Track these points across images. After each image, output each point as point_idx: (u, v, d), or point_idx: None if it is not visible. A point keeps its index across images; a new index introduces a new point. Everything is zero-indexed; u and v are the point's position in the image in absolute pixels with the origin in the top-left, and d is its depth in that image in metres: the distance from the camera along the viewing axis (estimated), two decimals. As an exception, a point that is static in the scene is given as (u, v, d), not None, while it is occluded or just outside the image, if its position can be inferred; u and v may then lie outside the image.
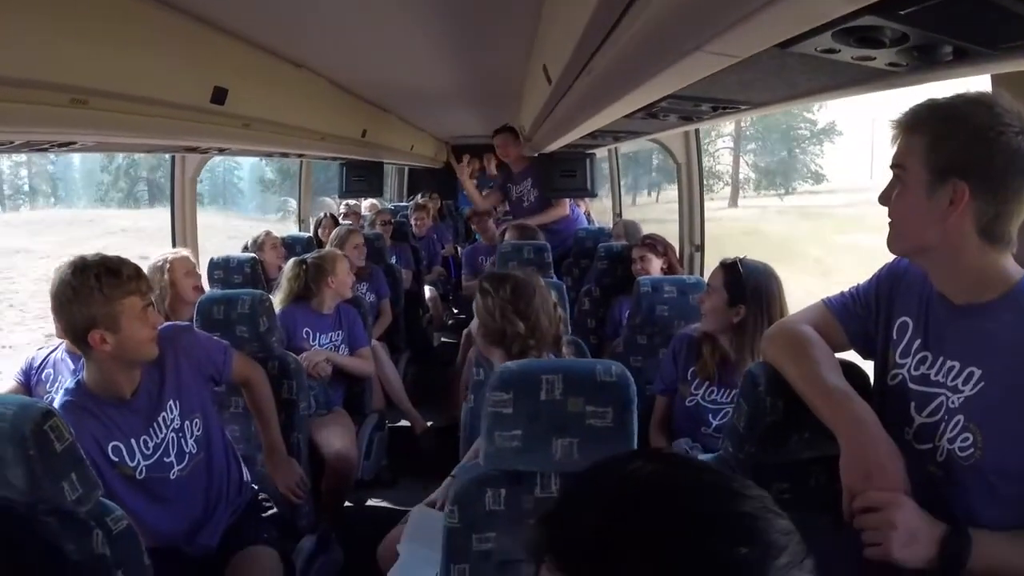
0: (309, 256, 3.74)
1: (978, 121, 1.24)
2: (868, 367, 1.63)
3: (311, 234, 6.03)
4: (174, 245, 4.33)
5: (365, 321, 3.98)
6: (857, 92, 1.67)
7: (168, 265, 3.37)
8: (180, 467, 2.23)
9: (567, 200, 5.64)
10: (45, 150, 2.51)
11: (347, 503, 3.55)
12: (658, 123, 2.84)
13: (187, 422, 2.27)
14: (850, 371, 1.57)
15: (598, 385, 1.68)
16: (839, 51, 1.25)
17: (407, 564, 2.06)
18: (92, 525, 1.67)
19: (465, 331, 5.19)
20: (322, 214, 6.54)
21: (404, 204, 9.67)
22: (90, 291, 1.95)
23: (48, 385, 2.66)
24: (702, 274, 4.23)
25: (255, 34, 2.77)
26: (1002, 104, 1.24)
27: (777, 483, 1.60)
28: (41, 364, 2.74)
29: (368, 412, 3.84)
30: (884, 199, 1.40)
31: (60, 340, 2.70)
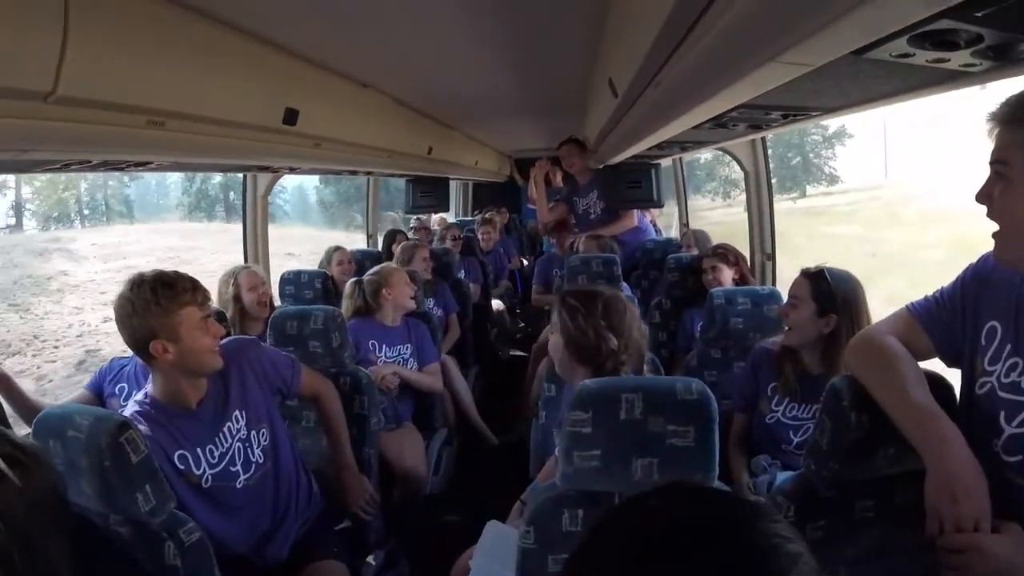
0: (364, 276, 3.80)
1: None
2: (953, 376, 1.57)
3: (380, 250, 6.11)
4: (246, 260, 4.45)
5: (434, 336, 3.98)
6: (928, 94, 1.65)
7: (233, 279, 3.50)
8: (246, 476, 2.26)
9: (635, 211, 5.59)
10: (121, 169, 2.59)
11: (416, 518, 3.53)
12: (726, 132, 2.81)
13: (253, 432, 2.31)
14: (935, 382, 1.51)
15: (679, 403, 1.64)
16: (913, 55, 1.23)
17: None
18: (164, 536, 1.72)
19: (535, 345, 5.17)
20: (392, 231, 6.64)
21: (469, 219, 9.73)
22: (147, 304, 2.01)
23: (123, 399, 2.69)
24: (774, 283, 4.16)
25: (323, 56, 2.82)
26: None
27: (861, 500, 1.55)
28: (115, 377, 2.78)
29: (438, 427, 3.84)
30: (984, 198, 1.31)
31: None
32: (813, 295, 2.42)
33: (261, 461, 2.31)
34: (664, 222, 8.22)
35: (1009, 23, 1.03)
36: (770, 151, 4.25)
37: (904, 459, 1.47)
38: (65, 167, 2.27)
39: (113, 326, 2.13)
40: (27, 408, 2.46)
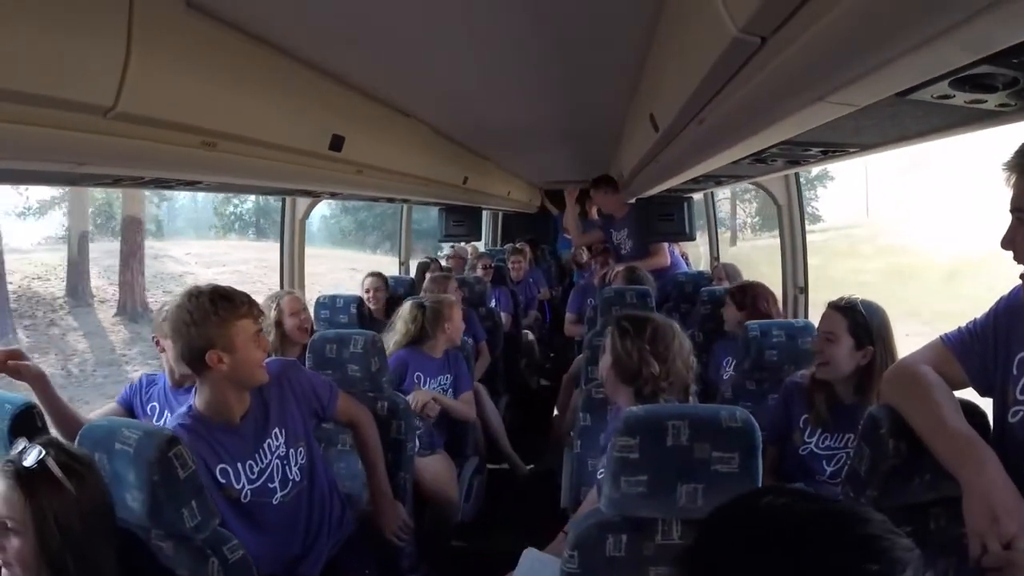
0: (427, 300, 3.81)
1: None
2: (986, 404, 1.59)
3: (412, 277, 6.17)
4: (282, 283, 4.54)
5: (469, 365, 4.01)
6: (964, 132, 1.68)
7: (276, 304, 3.55)
8: (283, 493, 2.30)
9: (665, 247, 5.60)
10: (170, 187, 2.65)
11: (448, 545, 3.55)
12: (764, 167, 2.85)
13: (292, 450, 2.35)
14: (968, 411, 1.54)
15: (724, 430, 1.67)
16: (954, 96, 1.27)
17: None
18: (208, 553, 1.76)
19: (565, 376, 5.19)
20: (427, 259, 6.70)
21: (499, 248, 9.78)
22: (206, 314, 2.06)
23: (156, 419, 2.69)
24: (806, 315, 4.17)
25: (370, 84, 2.87)
26: None
27: (898, 527, 1.57)
28: (146, 395, 2.76)
29: (469, 454, 3.85)
30: (1008, 243, 1.37)
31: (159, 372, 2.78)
32: (850, 329, 2.42)
33: (298, 479, 2.35)
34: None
35: None
36: (758, 194, 4.28)
37: (940, 485, 1.50)
38: (117, 182, 2.33)
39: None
40: (61, 414, 2.43)
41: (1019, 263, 1.37)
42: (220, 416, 2.20)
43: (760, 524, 0.78)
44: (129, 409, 2.77)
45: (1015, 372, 1.48)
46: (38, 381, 2.34)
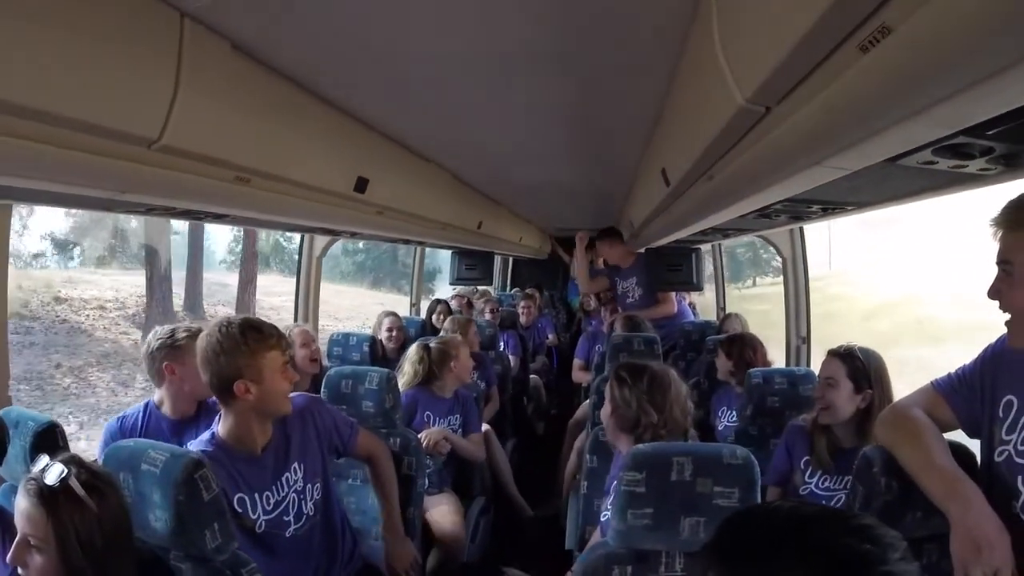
0: (432, 341, 3.84)
1: None
2: (974, 446, 1.68)
3: (424, 318, 6.24)
4: (296, 318, 4.59)
5: (479, 406, 4.03)
6: (951, 192, 1.78)
7: (288, 335, 3.50)
8: (296, 526, 2.31)
9: (673, 297, 5.66)
10: (200, 219, 2.70)
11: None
12: (768, 222, 2.93)
13: (309, 485, 2.36)
14: (958, 451, 1.63)
15: (725, 467, 1.76)
16: (937, 162, 1.37)
17: None
18: (228, 574, 1.80)
19: (570, 422, 5.22)
20: (435, 300, 6.72)
21: (508, 294, 9.82)
22: (236, 345, 2.09)
23: None
24: (808, 365, 4.21)
25: (395, 129, 2.96)
26: None
27: None
28: (130, 433, 2.62)
29: (476, 495, 3.85)
30: (995, 293, 1.47)
31: (139, 404, 2.73)
32: (849, 374, 2.49)
33: (312, 514, 2.36)
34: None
35: (1015, 138, 1.17)
36: (725, 247, 4.38)
37: (932, 522, 1.58)
38: (150, 211, 2.38)
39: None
40: None
41: (1004, 312, 1.47)
42: (242, 445, 2.22)
43: (772, 517, 0.91)
44: None
45: (1000, 415, 1.57)
46: None
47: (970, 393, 1.67)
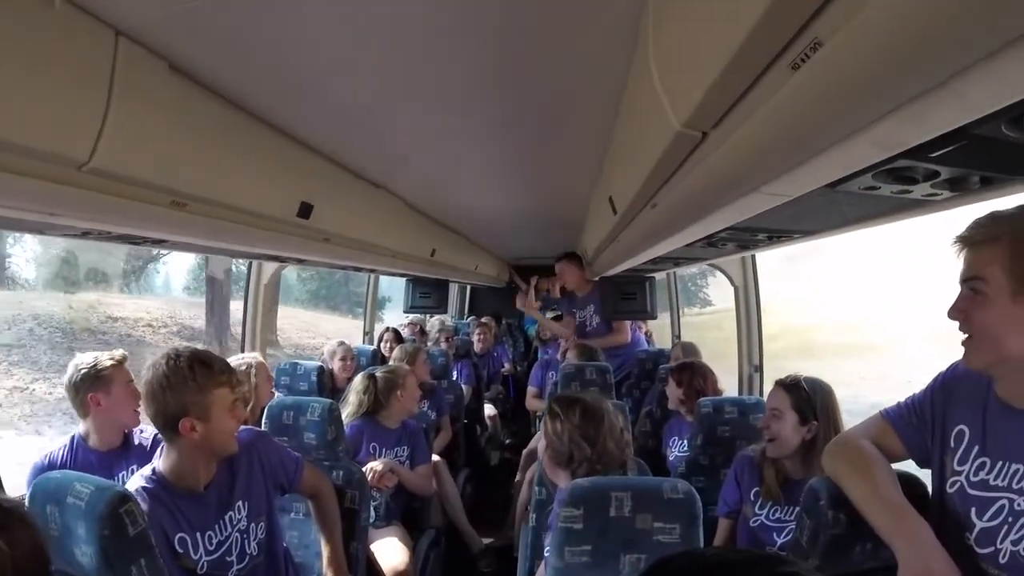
0: (378, 371, 3.78)
1: None
2: (925, 475, 1.65)
3: (376, 347, 6.16)
4: (243, 347, 4.50)
5: (428, 438, 3.98)
6: (899, 219, 1.76)
7: (254, 369, 3.45)
8: (239, 567, 2.24)
9: (627, 326, 5.67)
10: (137, 244, 2.61)
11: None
12: (716, 251, 2.93)
13: (252, 524, 2.29)
14: (908, 481, 1.61)
15: (666, 502, 1.72)
16: (879, 188, 1.34)
17: None
18: None
19: (524, 451, 5.19)
20: (385, 328, 6.66)
21: (465, 321, 9.80)
22: (184, 380, 2.01)
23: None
24: (761, 393, 4.22)
25: (342, 155, 2.90)
26: None
27: None
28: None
29: (426, 527, 3.80)
30: (958, 313, 1.42)
31: (61, 442, 2.66)
32: (793, 405, 2.49)
33: (255, 554, 2.30)
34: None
35: (961, 162, 1.15)
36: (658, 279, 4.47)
37: (881, 554, 1.54)
38: (85, 235, 2.30)
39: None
40: None
41: (963, 332, 1.43)
42: (184, 483, 2.14)
43: (695, 564, 0.84)
44: None
45: (952, 445, 1.55)
46: None
47: (920, 423, 1.65)
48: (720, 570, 0.81)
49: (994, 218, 1.36)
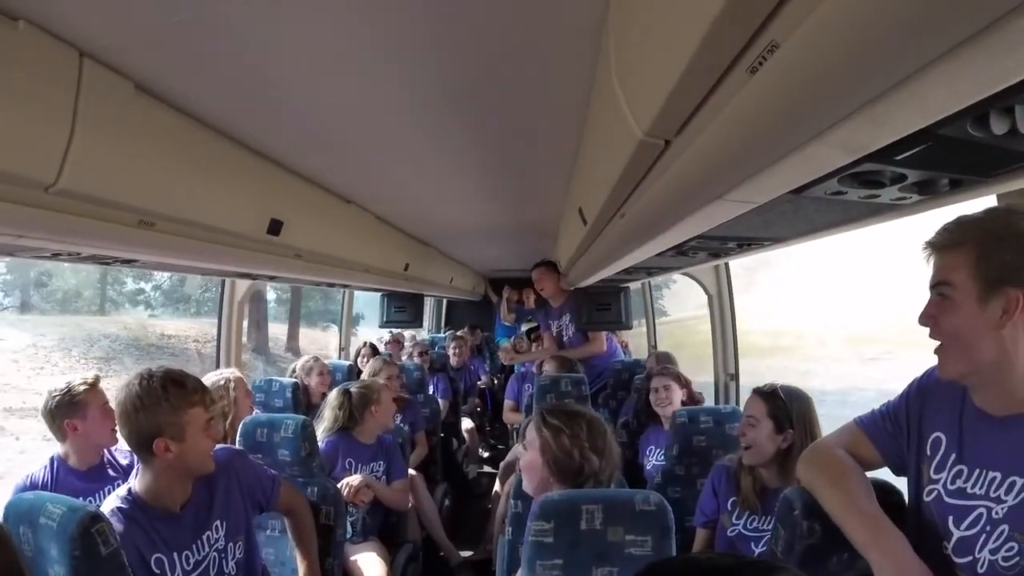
0: (353, 386, 3.76)
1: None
2: (900, 483, 1.64)
3: (352, 362, 6.13)
4: (217, 364, 4.44)
5: (404, 452, 3.95)
6: (870, 224, 1.75)
7: (232, 384, 3.42)
8: None
9: (603, 335, 5.67)
10: (108, 264, 2.59)
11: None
12: (688, 259, 2.93)
13: (230, 543, 2.27)
14: (884, 490, 1.60)
15: (637, 514, 1.70)
16: (846, 192, 1.33)
17: None
18: None
19: (502, 463, 5.18)
20: (362, 343, 6.64)
21: (441, 336, 9.77)
22: (157, 401, 1.99)
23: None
24: (737, 403, 4.23)
25: (310, 170, 2.90)
26: None
27: None
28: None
29: (403, 542, 3.77)
30: (927, 319, 1.40)
31: (41, 463, 2.65)
32: (769, 413, 2.48)
33: (233, 573, 2.28)
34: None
35: (928, 164, 1.14)
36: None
37: (857, 564, 1.53)
38: (55, 256, 2.29)
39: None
40: None
41: (933, 339, 1.41)
42: (160, 503, 2.11)
43: (693, 567, 0.83)
44: None
45: (928, 452, 1.53)
46: None
47: (895, 430, 1.63)
48: (715, 573, 0.80)
49: (960, 223, 1.36)
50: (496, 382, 9.07)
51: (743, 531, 2.59)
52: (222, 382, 3.38)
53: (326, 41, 1.58)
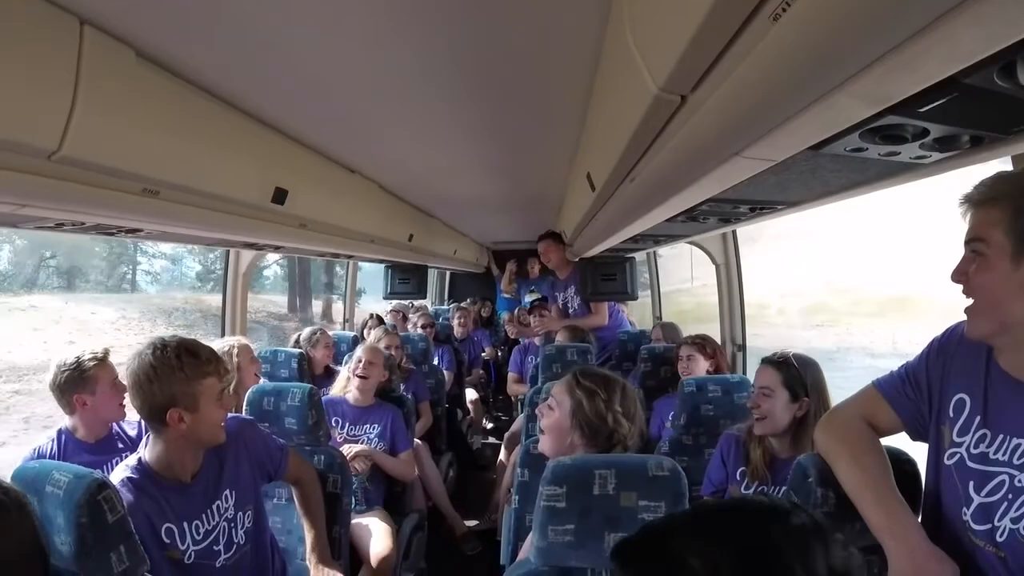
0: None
1: None
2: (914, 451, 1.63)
3: (356, 333, 6.14)
4: (223, 334, 4.45)
5: (408, 422, 3.94)
6: (886, 185, 1.73)
7: (236, 351, 3.43)
8: (226, 556, 2.22)
9: (605, 307, 5.64)
10: (112, 234, 2.60)
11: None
12: (698, 225, 2.90)
13: (240, 513, 2.27)
14: (899, 458, 1.58)
15: (650, 479, 1.68)
16: (867, 149, 1.31)
17: None
18: None
19: (507, 434, 5.18)
20: (368, 315, 6.67)
21: (444, 307, 9.77)
22: (171, 370, 1.98)
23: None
24: (744, 372, 4.21)
25: (315, 139, 2.88)
26: None
27: None
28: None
29: (409, 512, 3.78)
30: (960, 275, 1.37)
31: (48, 436, 2.64)
32: (784, 382, 2.45)
33: (242, 543, 2.28)
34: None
35: (949, 118, 1.12)
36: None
37: (869, 534, 1.50)
38: (59, 226, 2.29)
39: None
40: None
41: (966, 295, 1.38)
42: (170, 473, 2.11)
43: (697, 512, 0.91)
44: None
45: (951, 415, 1.50)
46: None
47: (915, 392, 1.60)
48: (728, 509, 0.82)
49: (998, 178, 1.33)
50: (500, 354, 9.07)
51: None
52: (226, 349, 3.39)
53: (330, 8, 1.56)
